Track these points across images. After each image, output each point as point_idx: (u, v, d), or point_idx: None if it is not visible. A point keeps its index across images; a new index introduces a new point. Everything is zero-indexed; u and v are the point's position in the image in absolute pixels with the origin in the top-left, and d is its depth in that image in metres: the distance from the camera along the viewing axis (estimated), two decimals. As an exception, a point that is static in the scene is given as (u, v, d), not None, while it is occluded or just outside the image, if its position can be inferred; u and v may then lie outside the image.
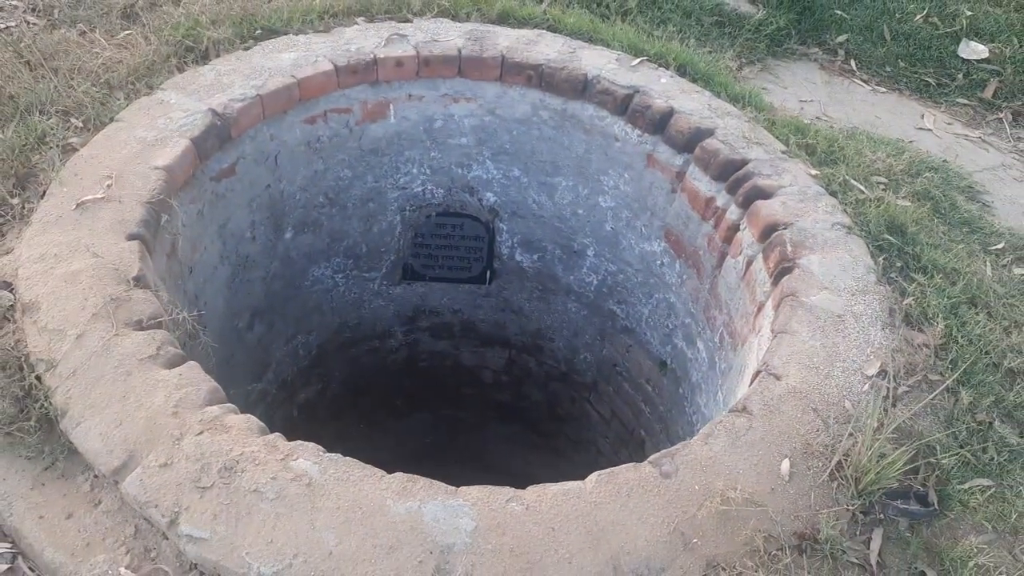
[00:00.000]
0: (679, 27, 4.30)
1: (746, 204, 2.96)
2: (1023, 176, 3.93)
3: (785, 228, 2.76)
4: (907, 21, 4.70)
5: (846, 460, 2.02)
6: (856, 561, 1.91)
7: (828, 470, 2.01)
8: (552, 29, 3.68)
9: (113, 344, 2.07)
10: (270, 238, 3.47)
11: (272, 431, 2.00)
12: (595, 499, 1.89)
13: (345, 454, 1.94)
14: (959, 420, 2.26)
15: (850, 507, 1.97)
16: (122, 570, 1.77)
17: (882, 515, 2.01)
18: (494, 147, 3.72)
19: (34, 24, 3.35)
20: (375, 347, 4.60)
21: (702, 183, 3.17)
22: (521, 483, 1.95)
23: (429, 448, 5.20)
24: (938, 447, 2.15)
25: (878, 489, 2.00)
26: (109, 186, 2.51)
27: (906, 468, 2.03)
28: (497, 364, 4.90)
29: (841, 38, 4.71)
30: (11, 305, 2.18)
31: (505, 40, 3.47)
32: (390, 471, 1.92)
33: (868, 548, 1.94)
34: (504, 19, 3.69)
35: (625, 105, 3.33)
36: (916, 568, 1.94)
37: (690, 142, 3.18)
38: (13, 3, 3.49)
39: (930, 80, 4.55)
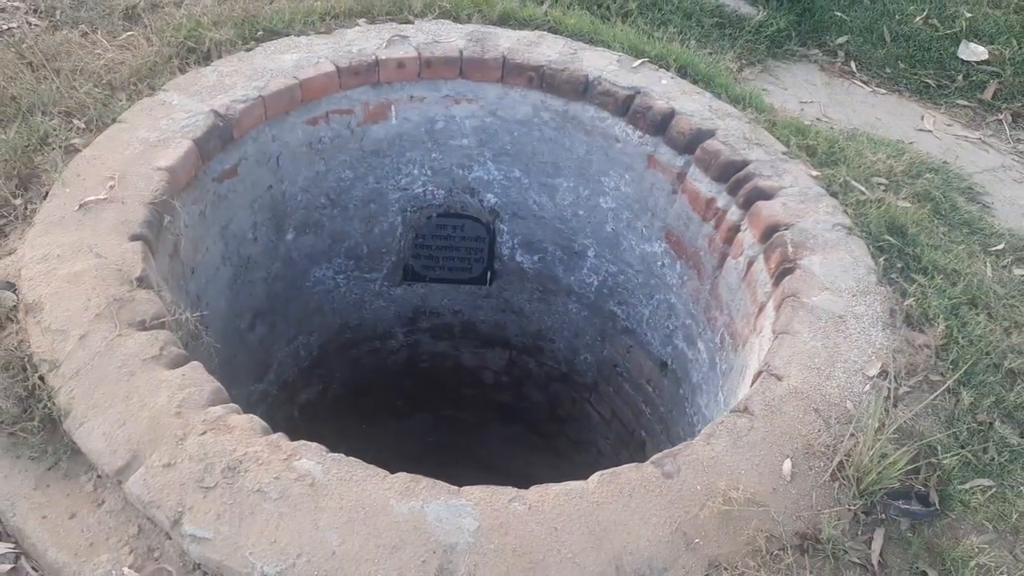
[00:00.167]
0: (680, 29, 4.31)
1: (747, 205, 2.97)
2: (1023, 177, 3.94)
3: (786, 229, 2.76)
4: (907, 23, 4.71)
5: (847, 460, 2.02)
6: (858, 561, 1.91)
7: (830, 470, 2.02)
8: (553, 31, 3.68)
9: (116, 344, 2.07)
10: (272, 239, 3.47)
11: (274, 432, 2.00)
12: (597, 499, 1.90)
13: (347, 455, 1.94)
14: (960, 420, 2.27)
15: (852, 507, 1.97)
16: (125, 570, 1.77)
17: (883, 515, 2.01)
18: (495, 148, 3.72)
19: (36, 25, 3.36)
20: (376, 348, 4.60)
21: (703, 184, 3.18)
22: (522, 484, 1.95)
23: (430, 449, 5.20)
24: (939, 447, 2.16)
25: (879, 489, 2.00)
26: (112, 187, 2.52)
27: (907, 468, 2.04)
28: (498, 365, 4.91)
29: (841, 40, 4.72)
30: (14, 306, 2.18)
31: (506, 41, 3.48)
32: (391, 472, 1.92)
33: (870, 548, 1.94)
34: (505, 20, 3.70)
35: (626, 106, 3.33)
36: (917, 568, 1.94)
37: (691, 143, 3.19)
38: (15, 4, 3.49)
39: (930, 81, 4.56)
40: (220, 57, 3.20)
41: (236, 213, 3.15)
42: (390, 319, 4.49)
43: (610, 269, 3.94)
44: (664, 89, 3.36)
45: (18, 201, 2.53)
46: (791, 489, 1.98)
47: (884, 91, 4.52)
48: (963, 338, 2.49)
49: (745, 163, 3.03)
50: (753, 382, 2.31)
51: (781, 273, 2.67)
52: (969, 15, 4.68)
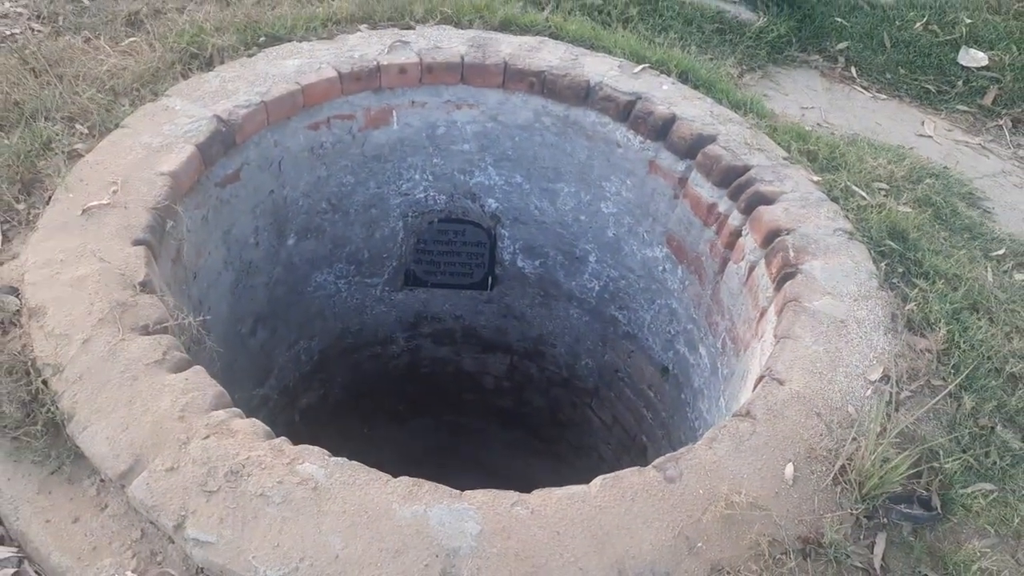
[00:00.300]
0: (680, 34, 4.32)
1: (748, 210, 2.97)
2: (1023, 182, 3.95)
3: (787, 234, 2.77)
4: (907, 29, 4.72)
5: (850, 464, 2.03)
6: (860, 565, 1.91)
7: (832, 474, 2.02)
8: (554, 36, 3.70)
9: (119, 349, 2.07)
10: (273, 244, 3.48)
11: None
12: (600, 503, 1.90)
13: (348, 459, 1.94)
14: (962, 425, 2.27)
15: (854, 511, 1.98)
16: (128, 574, 1.77)
17: (886, 519, 2.01)
18: (496, 153, 3.73)
19: (39, 31, 3.37)
20: (377, 353, 4.60)
21: (704, 189, 3.19)
22: (523, 489, 1.95)
23: (431, 454, 5.20)
24: (941, 452, 2.16)
25: (882, 493, 2.00)
26: (115, 192, 2.52)
27: (909, 472, 2.04)
28: (499, 370, 4.91)
29: (841, 45, 4.73)
30: (17, 310, 2.19)
31: (507, 47, 3.49)
32: (393, 476, 1.92)
33: (872, 552, 1.94)
34: (506, 26, 3.71)
35: (627, 112, 3.34)
36: (920, 572, 1.94)
37: (692, 148, 3.20)
38: (18, 10, 3.51)
39: (930, 87, 4.57)
40: (223, 63, 3.21)
41: (238, 218, 3.16)
42: (391, 324, 4.49)
43: (611, 274, 3.95)
44: (665, 95, 3.37)
45: (21, 206, 2.54)
46: (793, 493, 1.98)
47: (884, 96, 4.53)
48: (964, 343, 2.50)
49: (746, 168, 3.04)
50: (755, 386, 2.32)
51: (783, 278, 2.67)
52: (969, 21, 4.69)
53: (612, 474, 1.98)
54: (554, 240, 4.02)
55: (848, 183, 3.06)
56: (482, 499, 1.87)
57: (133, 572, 1.77)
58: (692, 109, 3.30)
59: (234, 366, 3.35)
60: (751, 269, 2.93)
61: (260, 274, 3.47)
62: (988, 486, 2.15)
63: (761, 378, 2.31)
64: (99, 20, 3.45)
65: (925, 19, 4.73)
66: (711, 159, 3.12)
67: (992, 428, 2.29)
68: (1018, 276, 2.94)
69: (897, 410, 2.23)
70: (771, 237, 2.82)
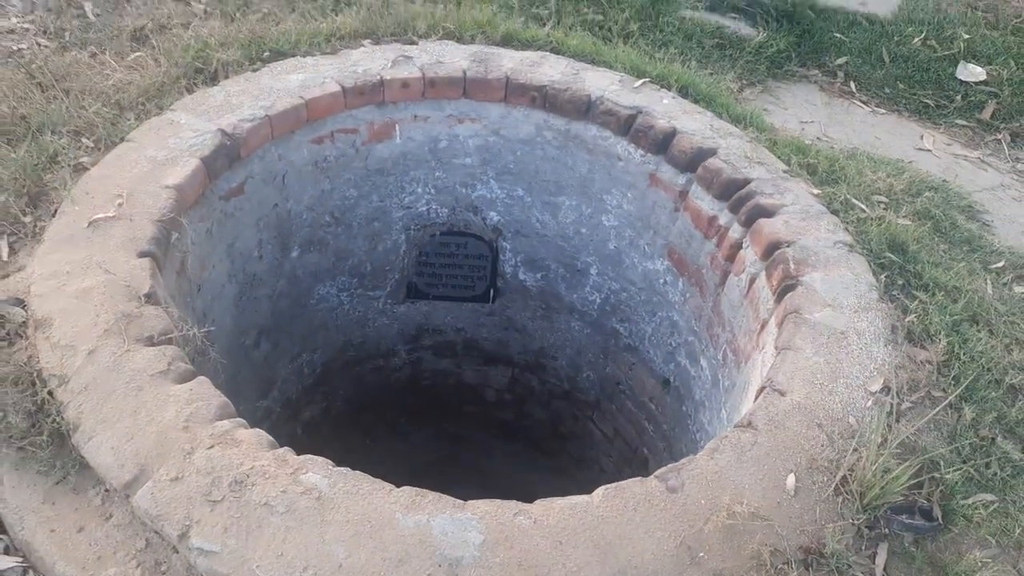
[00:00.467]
0: (680, 49, 4.36)
1: (749, 222, 2.99)
2: (1022, 196, 3.97)
3: (788, 246, 2.79)
4: (905, 44, 4.77)
5: (851, 475, 2.03)
6: (862, 575, 1.91)
7: (833, 485, 2.03)
8: (555, 51, 3.73)
9: (124, 360, 2.09)
10: (277, 257, 3.50)
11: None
12: (602, 513, 1.90)
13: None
14: (962, 436, 2.28)
15: (855, 522, 1.98)
16: (133, 584, 1.78)
17: (887, 530, 2.02)
18: (498, 167, 3.76)
19: (46, 46, 3.40)
20: (379, 365, 4.61)
21: (705, 202, 3.21)
22: (524, 501, 1.96)
23: (432, 466, 5.19)
24: (942, 462, 2.17)
25: (883, 504, 2.01)
26: (120, 204, 2.55)
27: (910, 483, 2.05)
28: (500, 382, 4.91)
29: (840, 60, 4.77)
30: (24, 321, 2.20)
31: (509, 62, 3.52)
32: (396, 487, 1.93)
33: (873, 563, 1.95)
34: (508, 41, 3.74)
35: (628, 125, 3.37)
36: (921, 583, 1.95)
37: (692, 162, 3.22)
38: (25, 26, 3.54)
39: (929, 101, 4.60)
40: (227, 77, 3.24)
41: (242, 231, 3.18)
42: (393, 337, 4.50)
43: (612, 287, 3.96)
44: (665, 109, 3.39)
45: (28, 219, 2.56)
46: (795, 503, 1.99)
47: (884, 111, 4.56)
48: (964, 354, 2.51)
49: (747, 181, 3.06)
50: (756, 397, 2.33)
51: (783, 290, 2.69)
52: (967, 36, 4.73)
53: (614, 484, 1.98)
54: (555, 253, 4.04)
55: (848, 196, 3.08)
56: (485, 509, 1.88)
57: (137, 582, 1.78)
58: (692, 123, 3.33)
59: (237, 378, 3.36)
60: (752, 281, 2.95)
61: (263, 286, 3.48)
62: (989, 497, 2.15)
63: (762, 389, 2.32)
64: (105, 35, 3.49)
65: (923, 34, 4.77)
66: (711, 172, 3.14)
67: (992, 439, 2.30)
68: (1017, 288, 2.96)
69: (898, 421, 2.24)
70: (771, 249, 2.84)
